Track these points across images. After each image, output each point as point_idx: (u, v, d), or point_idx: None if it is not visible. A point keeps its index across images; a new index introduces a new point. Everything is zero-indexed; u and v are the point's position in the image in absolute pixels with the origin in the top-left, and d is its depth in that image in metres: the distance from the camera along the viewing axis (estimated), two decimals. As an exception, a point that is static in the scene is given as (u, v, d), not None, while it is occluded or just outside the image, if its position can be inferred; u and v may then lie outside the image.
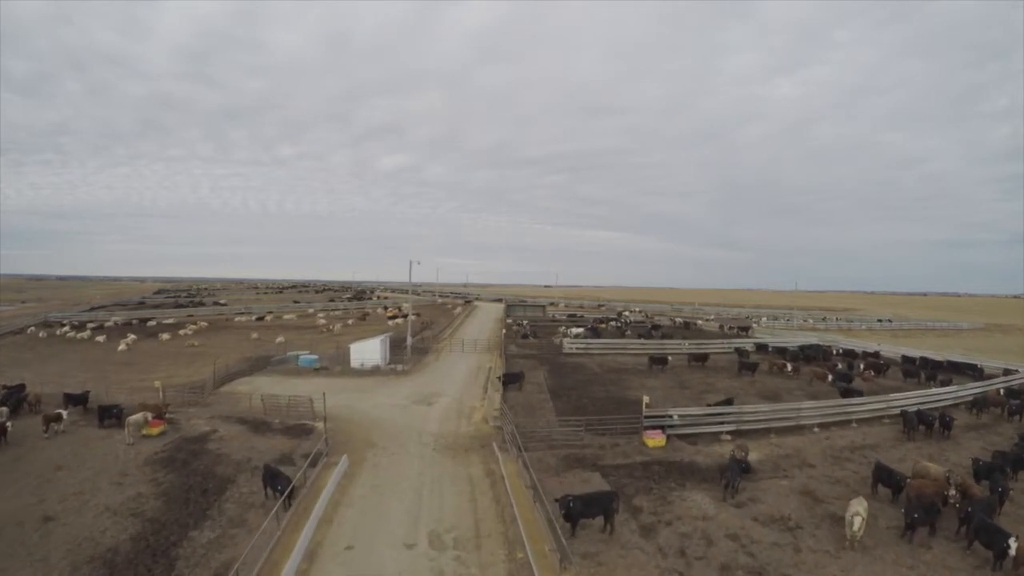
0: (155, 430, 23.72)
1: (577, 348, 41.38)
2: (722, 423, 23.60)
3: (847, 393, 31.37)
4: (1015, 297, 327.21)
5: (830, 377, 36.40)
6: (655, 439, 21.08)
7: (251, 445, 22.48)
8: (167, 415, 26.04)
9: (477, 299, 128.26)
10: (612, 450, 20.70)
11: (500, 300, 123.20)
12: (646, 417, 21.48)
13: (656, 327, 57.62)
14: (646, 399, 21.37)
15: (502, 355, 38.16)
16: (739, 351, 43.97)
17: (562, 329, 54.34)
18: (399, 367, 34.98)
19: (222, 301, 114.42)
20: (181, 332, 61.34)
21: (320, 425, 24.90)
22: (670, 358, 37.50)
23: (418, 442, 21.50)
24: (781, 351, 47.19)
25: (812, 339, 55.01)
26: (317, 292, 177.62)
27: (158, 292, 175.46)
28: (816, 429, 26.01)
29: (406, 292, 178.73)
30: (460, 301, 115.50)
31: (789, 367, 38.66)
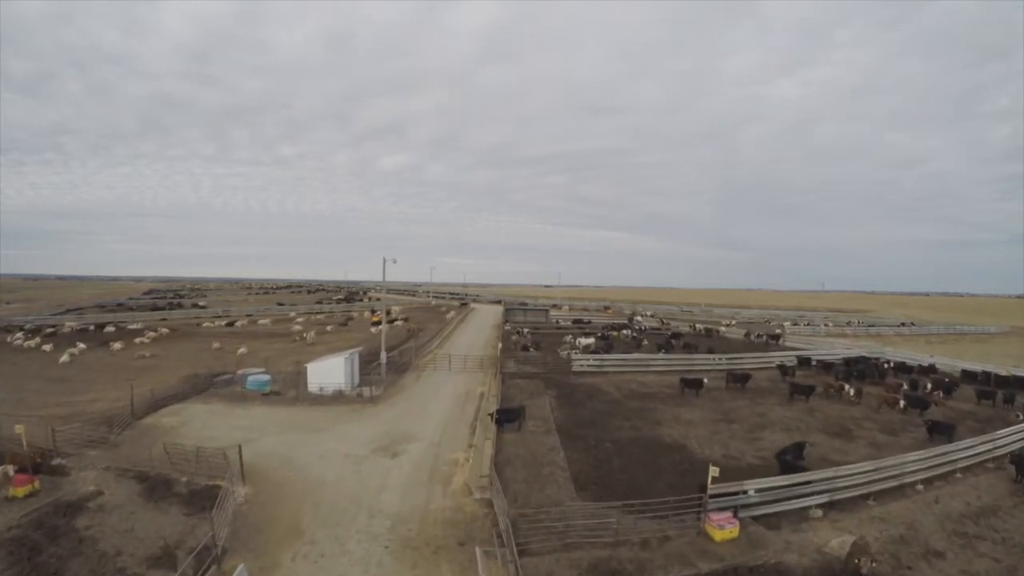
0: (20, 490, 16.93)
1: (589, 365, 34.10)
2: (811, 493, 16.42)
3: (937, 429, 24.62)
4: (1018, 297, 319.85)
5: (901, 403, 29.53)
6: (725, 529, 13.86)
7: (132, 525, 15.42)
8: (57, 461, 19.45)
9: (475, 301, 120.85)
10: (660, 548, 13.46)
11: (499, 302, 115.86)
12: (712, 497, 14.22)
13: (676, 336, 50.27)
14: (714, 471, 14.09)
15: (498, 374, 30.92)
16: (782, 368, 36.75)
17: (568, 338, 47.07)
18: (368, 391, 27.75)
19: (202, 303, 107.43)
20: (137, 340, 54.28)
21: (238, 489, 17.93)
22: (706, 380, 30.26)
23: (366, 531, 14.27)
24: (827, 366, 40.13)
25: (858, 350, 47.74)
26: (309, 293, 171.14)
27: (147, 292, 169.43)
28: (920, 486, 19.18)
29: (401, 293, 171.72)
30: (456, 303, 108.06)
31: (851, 390, 31.58)
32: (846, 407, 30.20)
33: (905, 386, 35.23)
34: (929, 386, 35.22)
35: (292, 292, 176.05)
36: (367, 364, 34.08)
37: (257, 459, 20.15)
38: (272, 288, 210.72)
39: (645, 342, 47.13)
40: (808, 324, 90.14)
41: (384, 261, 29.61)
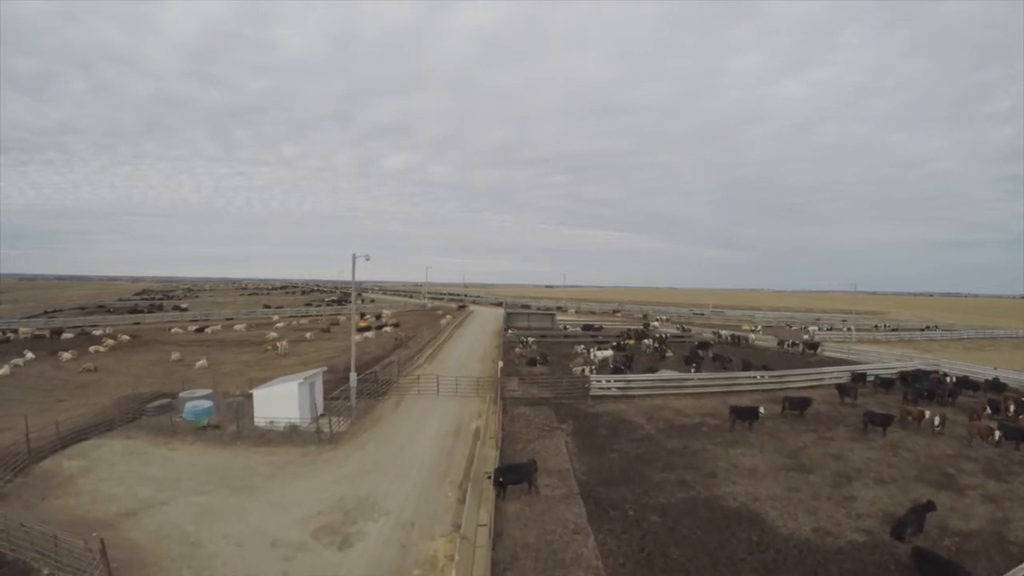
0: None
1: (611, 387, 27.65)
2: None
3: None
4: (1022, 298, 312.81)
5: (997, 435, 23.44)
6: None
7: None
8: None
9: (474, 303, 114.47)
10: None
11: (500, 303, 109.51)
12: None
13: (704, 345, 43.74)
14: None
15: (497, 400, 24.56)
16: (842, 388, 30.42)
17: (580, 349, 40.64)
18: (329, 425, 21.39)
19: (183, 305, 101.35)
20: (91, 349, 48.09)
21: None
22: (762, 409, 23.87)
23: None
24: (886, 383, 33.84)
25: (914, 362, 41.32)
26: (303, 293, 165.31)
27: (139, 293, 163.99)
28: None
29: (398, 294, 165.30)
30: (453, 306, 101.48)
31: (936, 419, 25.32)
32: (931, 440, 24.07)
33: (988, 410, 29.17)
34: (1012, 408, 29.20)
35: (287, 293, 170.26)
36: (341, 383, 27.81)
37: (151, 540, 14.02)
38: (267, 289, 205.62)
39: (669, 353, 40.65)
40: (831, 328, 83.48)
41: (354, 258, 23.33)
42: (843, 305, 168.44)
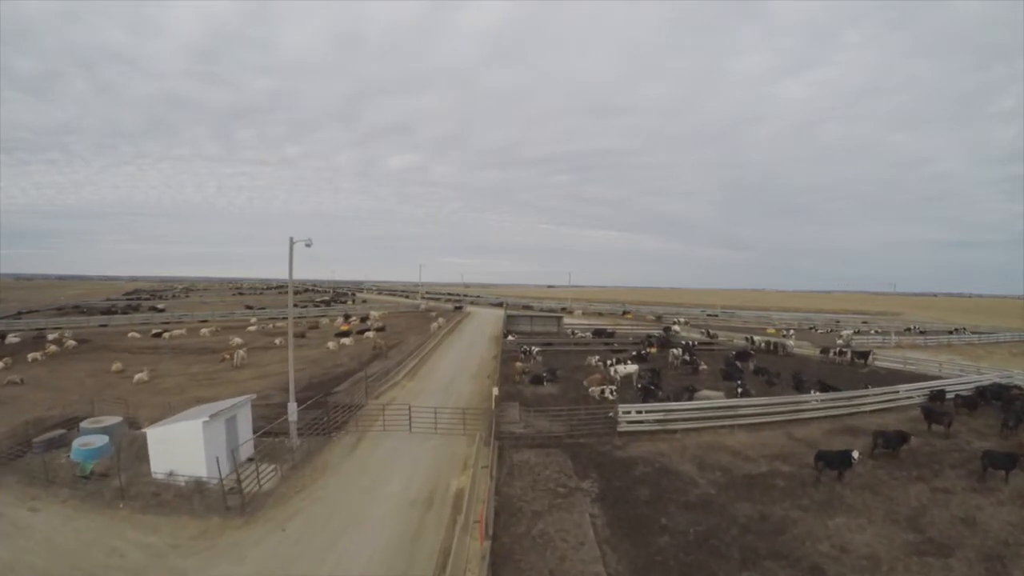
0: None
1: (644, 420, 20.91)
2: None
3: None
4: None
5: None
6: None
7: None
8: None
9: (473, 303, 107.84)
10: None
11: (501, 304, 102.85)
12: None
13: (743, 356, 36.80)
14: None
15: (491, 441, 18.00)
16: (930, 413, 23.89)
17: (595, 360, 33.95)
18: (239, 484, 14.84)
19: (160, 306, 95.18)
20: (29, 356, 41.84)
21: None
22: (856, 453, 17.27)
23: None
24: (969, 403, 27.29)
25: (991, 376, 34.65)
26: (297, 293, 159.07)
27: (129, 293, 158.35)
28: None
29: (395, 293, 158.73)
30: (449, 306, 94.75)
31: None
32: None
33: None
34: None
35: (280, 293, 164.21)
36: (303, 402, 21.28)
37: None
38: (262, 288, 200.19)
39: (703, 366, 33.92)
40: (856, 332, 76.49)
41: (291, 242, 16.94)
42: (850, 305, 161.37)
